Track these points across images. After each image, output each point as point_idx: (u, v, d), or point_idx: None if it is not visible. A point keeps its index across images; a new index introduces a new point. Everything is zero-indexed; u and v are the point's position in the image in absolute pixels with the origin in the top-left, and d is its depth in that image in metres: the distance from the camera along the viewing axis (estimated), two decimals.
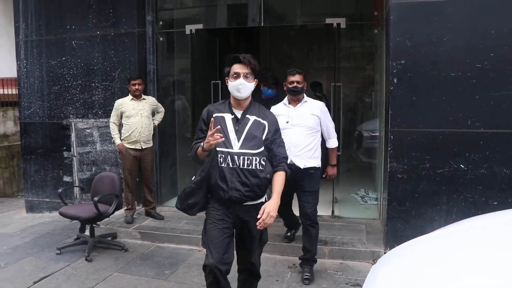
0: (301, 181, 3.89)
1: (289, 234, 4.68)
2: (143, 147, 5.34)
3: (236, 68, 2.61)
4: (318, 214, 4.03)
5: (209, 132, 2.47)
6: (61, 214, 4.66)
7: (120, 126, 5.39)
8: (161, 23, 6.19)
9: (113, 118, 5.35)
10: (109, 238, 5.01)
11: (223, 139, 2.50)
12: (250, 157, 2.58)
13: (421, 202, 4.13)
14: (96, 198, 4.47)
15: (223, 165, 2.58)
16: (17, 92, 6.78)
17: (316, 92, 7.11)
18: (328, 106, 4.51)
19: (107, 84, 5.97)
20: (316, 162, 3.98)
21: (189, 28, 6.04)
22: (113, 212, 4.73)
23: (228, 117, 2.66)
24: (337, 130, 4.46)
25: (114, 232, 5.15)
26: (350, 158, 7.84)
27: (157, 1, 6.08)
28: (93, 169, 6.06)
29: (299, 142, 3.86)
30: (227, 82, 2.64)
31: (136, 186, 5.53)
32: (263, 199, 2.70)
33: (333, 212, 5.51)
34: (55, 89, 6.22)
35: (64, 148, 6.23)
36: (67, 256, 4.56)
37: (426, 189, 4.10)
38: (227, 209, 2.65)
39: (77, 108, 6.13)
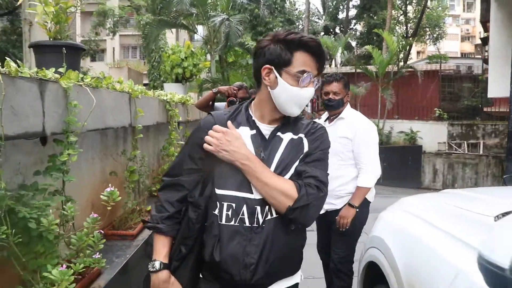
0: (332, 222, 3.06)
1: None
2: None
3: (313, 67, 1.51)
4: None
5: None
6: None
7: None
8: None
9: None
10: None
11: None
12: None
13: None
14: None
15: (230, 223, 1.47)
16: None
17: None
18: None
19: None
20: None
21: None
22: None
23: (246, 133, 1.54)
24: None
25: None
26: None
27: None
28: None
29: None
30: (275, 81, 1.50)
31: None
32: (298, 276, 1.65)
33: None
34: None
35: None
36: None
37: None
38: None
39: None
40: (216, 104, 4.51)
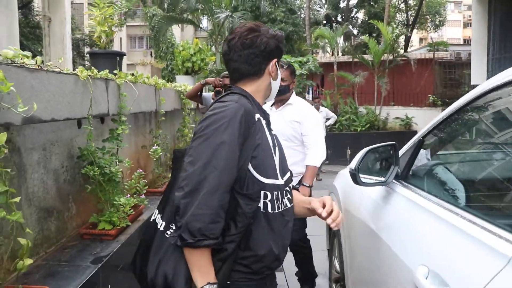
0: None
1: None
2: None
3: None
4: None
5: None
6: None
7: None
8: None
9: None
10: None
11: None
12: (289, 188, 1.58)
13: None
14: None
15: (275, 211, 1.46)
16: None
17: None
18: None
19: None
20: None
21: None
22: None
23: (261, 121, 1.53)
24: None
25: None
26: None
27: None
28: None
29: None
30: (276, 72, 1.60)
31: None
32: None
33: None
34: None
35: None
36: None
37: None
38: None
39: None
40: (204, 94, 4.88)
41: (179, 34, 29.93)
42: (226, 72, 5.20)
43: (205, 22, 17.10)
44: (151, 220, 1.55)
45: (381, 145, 2.07)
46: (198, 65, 6.62)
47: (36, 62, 1.97)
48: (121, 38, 35.36)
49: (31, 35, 21.69)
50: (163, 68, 16.55)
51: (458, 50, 26.41)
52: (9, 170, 1.59)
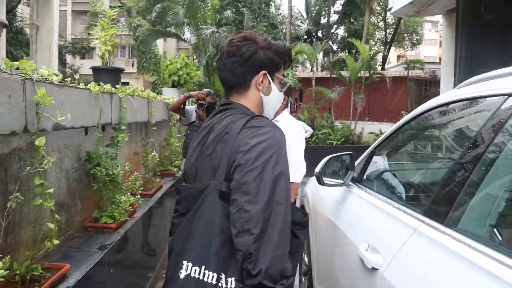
0: None
1: None
2: None
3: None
4: None
5: None
6: None
7: None
8: None
9: None
10: None
11: None
12: None
13: None
14: None
15: None
16: None
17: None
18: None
19: None
20: None
21: None
22: None
23: None
24: None
25: None
26: None
27: None
28: None
29: None
30: (268, 87, 1.49)
31: None
32: None
33: None
34: None
35: None
36: None
37: None
38: None
39: None
40: (187, 107, 5.19)
41: (162, 45, 30.30)
42: (207, 90, 5.50)
43: (187, 34, 17.53)
44: (184, 276, 1.28)
45: (341, 154, 2.55)
46: (184, 78, 7.08)
47: (61, 79, 2.38)
48: None
49: (14, 41, 21.85)
50: (153, 82, 16.94)
51: (434, 68, 27.40)
52: (46, 167, 2.00)
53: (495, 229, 1.28)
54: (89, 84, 2.87)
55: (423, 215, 1.54)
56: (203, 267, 1.26)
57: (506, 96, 1.36)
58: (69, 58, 32.43)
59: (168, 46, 32.89)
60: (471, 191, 1.33)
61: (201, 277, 1.25)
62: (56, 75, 2.25)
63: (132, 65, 26.60)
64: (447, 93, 1.86)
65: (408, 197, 2.13)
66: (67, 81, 2.53)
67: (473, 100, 1.61)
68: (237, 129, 1.31)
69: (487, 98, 1.50)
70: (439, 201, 1.52)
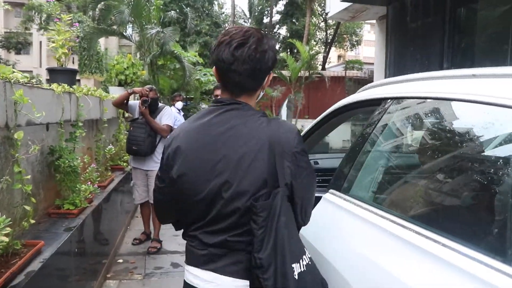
0: None
1: None
2: None
3: None
4: None
5: None
6: None
7: None
8: None
9: None
10: None
11: None
12: None
13: None
14: None
15: None
16: None
17: None
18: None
19: None
20: None
21: None
22: None
23: None
24: None
25: None
26: None
27: None
28: None
29: None
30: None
31: None
32: None
33: None
34: None
35: None
36: None
37: None
38: None
39: None
40: (130, 102, 5.07)
41: (103, 41, 29.79)
42: (149, 86, 5.68)
43: (129, 31, 17.52)
44: (297, 277, 1.34)
45: None
46: (130, 77, 7.37)
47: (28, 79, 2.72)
48: (41, 42, 34.35)
49: None
50: (102, 81, 16.83)
51: (372, 68, 28.74)
52: (23, 157, 2.35)
53: (374, 194, 1.83)
54: (51, 85, 3.20)
55: (328, 187, 2.08)
56: (296, 265, 1.35)
57: (387, 100, 1.91)
58: (3, 52, 31.09)
59: (110, 43, 32.35)
60: (358, 168, 1.88)
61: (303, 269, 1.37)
62: (26, 78, 2.60)
63: (73, 62, 26.01)
64: (350, 96, 2.39)
65: (319, 178, 2.68)
66: (33, 82, 2.86)
67: (364, 102, 2.16)
68: (281, 134, 1.39)
69: (372, 101, 2.06)
70: (338, 177, 2.06)
